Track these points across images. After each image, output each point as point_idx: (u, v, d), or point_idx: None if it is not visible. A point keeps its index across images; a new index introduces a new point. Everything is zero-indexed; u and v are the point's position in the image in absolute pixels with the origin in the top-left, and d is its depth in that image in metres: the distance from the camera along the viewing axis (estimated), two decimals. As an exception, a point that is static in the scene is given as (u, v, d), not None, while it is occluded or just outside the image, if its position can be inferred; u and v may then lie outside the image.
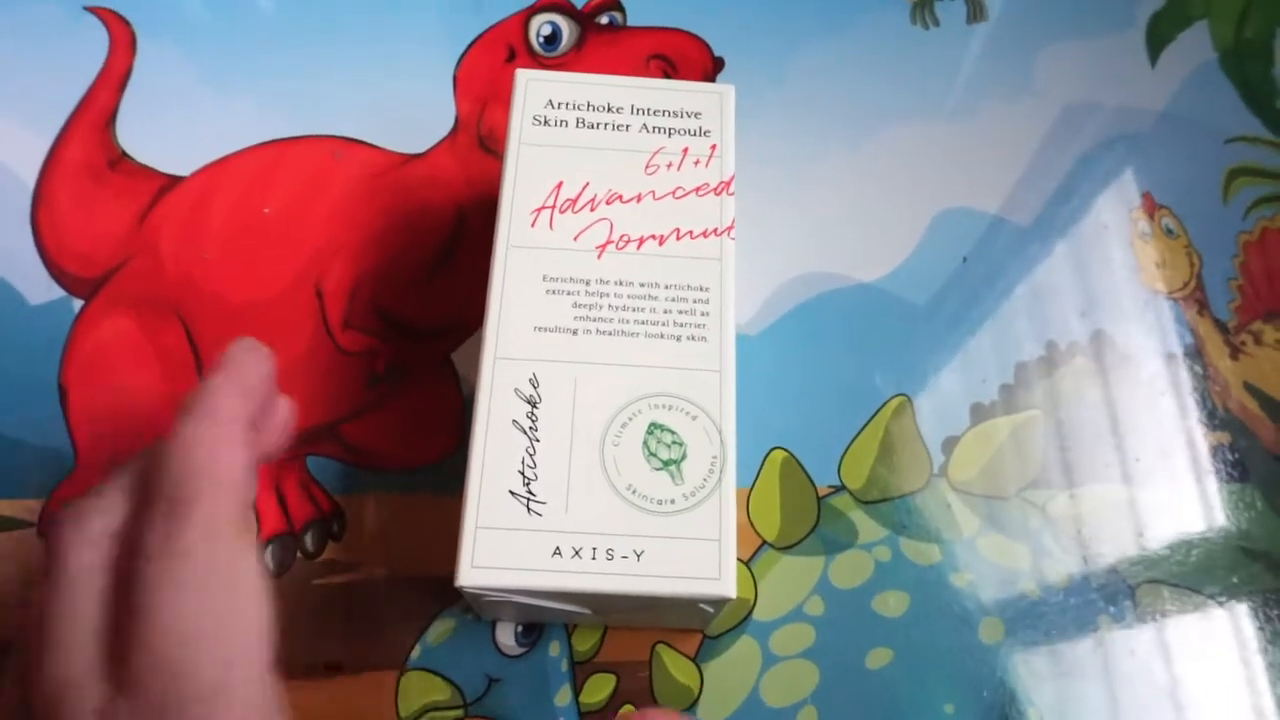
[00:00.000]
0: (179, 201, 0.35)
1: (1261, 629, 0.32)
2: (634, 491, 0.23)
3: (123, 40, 0.38)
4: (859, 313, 0.35)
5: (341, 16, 0.39)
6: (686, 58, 0.39)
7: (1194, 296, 0.37)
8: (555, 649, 0.30)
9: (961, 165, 0.38)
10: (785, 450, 0.33)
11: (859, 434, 0.34)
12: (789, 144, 0.38)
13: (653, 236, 0.26)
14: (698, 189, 0.27)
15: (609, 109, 0.28)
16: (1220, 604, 0.32)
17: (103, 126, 0.36)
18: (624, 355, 0.25)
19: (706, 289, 0.25)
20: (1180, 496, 0.34)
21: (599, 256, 0.26)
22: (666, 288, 0.25)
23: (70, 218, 0.35)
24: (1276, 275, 0.37)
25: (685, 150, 0.27)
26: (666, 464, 0.24)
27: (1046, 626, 0.31)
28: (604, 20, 0.39)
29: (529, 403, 0.24)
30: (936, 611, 0.31)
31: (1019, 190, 0.38)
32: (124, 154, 0.36)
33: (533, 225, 0.26)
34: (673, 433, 0.24)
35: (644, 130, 0.28)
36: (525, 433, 0.24)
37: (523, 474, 0.23)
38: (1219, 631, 0.32)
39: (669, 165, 0.27)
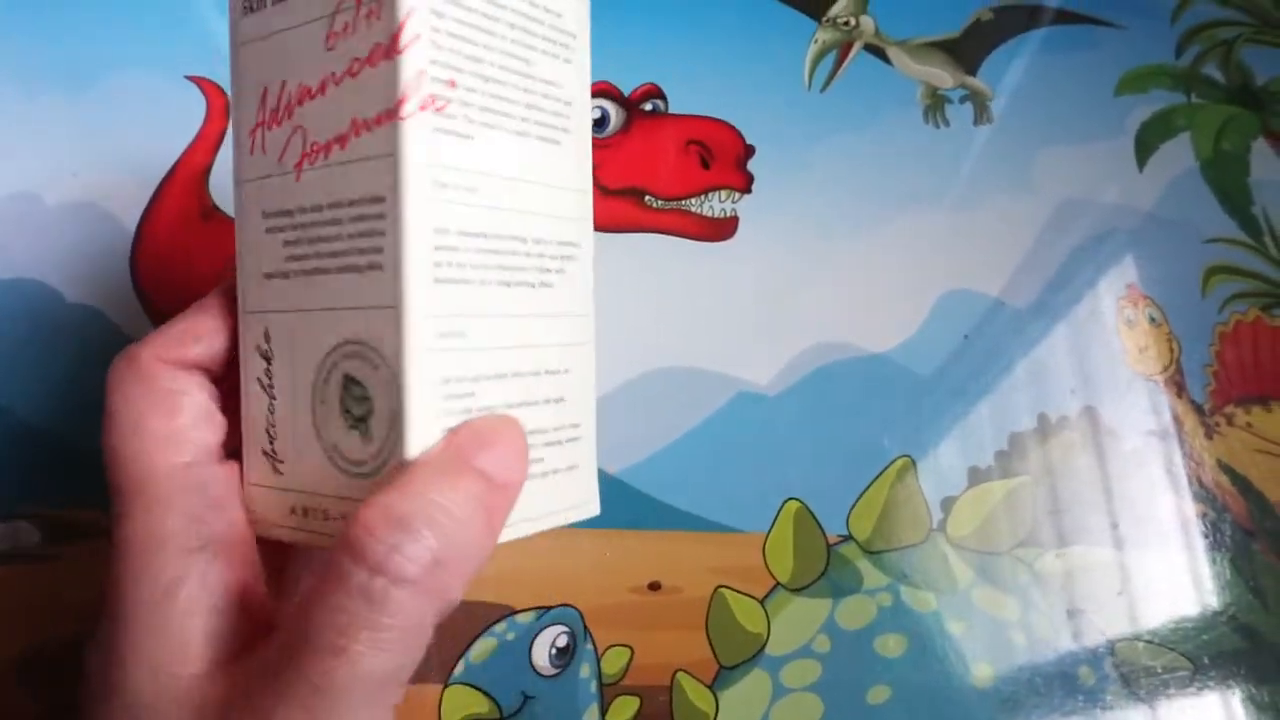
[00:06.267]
0: (263, 251, 0.39)
1: (1227, 684, 0.35)
2: (337, 451, 0.21)
3: (218, 105, 0.42)
4: (869, 380, 0.39)
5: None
6: (721, 144, 0.43)
7: (1174, 380, 0.40)
8: (586, 671, 0.33)
9: (965, 251, 0.42)
10: (799, 501, 0.37)
11: (866, 489, 0.37)
12: (813, 224, 0.42)
13: (336, 139, 0.21)
14: (369, 56, 0.20)
15: None
16: (1190, 659, 0.35)
17: (198, 181, 0.40)
18: (323, 298, 0.21)
19: (380, 199, 0.20)
20: (1157, 560, 0.37)
21: (297, 178, 0.21)
22: (350, 205, 0.20)
23: (166, 261, 0.39)
24: (1248, 364, 0.41)
25: (359, 1, 0.20)
26: (357, 422, 0.21)
27: (1031, 673, 0.35)
28: (648, 106, 0.44)
29: (265, 359, 0.22)
30: (932, 654, 0.35)
31: (1017, 276, 0.42)
32: (215, 207, 0.40)
33: (251, 151, 0.22)
34: (361, 385, 0.21)
35: None
36: (265, 390, 0.22)
37: (268, 432, 0.22)
38: (1188, 683, 0.35)
39: (345, 29, 0.20)
